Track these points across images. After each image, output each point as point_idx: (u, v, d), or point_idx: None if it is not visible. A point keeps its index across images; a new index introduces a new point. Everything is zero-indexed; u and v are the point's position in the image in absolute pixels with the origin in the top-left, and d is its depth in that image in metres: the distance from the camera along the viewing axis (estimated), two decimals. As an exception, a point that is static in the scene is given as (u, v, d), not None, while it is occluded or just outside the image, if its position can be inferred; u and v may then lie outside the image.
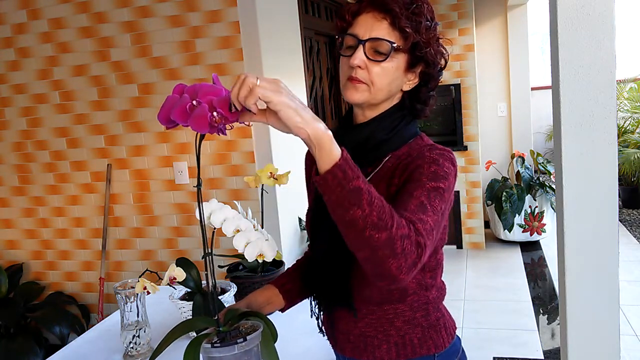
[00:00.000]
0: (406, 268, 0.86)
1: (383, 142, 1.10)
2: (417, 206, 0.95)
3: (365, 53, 1.04)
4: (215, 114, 0.82)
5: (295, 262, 1.35)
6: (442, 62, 1.13)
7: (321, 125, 0.84)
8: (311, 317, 1.24)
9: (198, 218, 1.02)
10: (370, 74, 1.05)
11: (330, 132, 0.84)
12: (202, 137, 0.88)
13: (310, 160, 1.29)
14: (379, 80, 1.05)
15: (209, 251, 1.00)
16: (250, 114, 0.85)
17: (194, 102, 0.81)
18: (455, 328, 1.20)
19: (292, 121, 0.82)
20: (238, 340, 0.97)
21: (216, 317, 1.03)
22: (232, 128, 0.87)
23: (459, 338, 1.21)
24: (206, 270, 1.01)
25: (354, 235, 0.85)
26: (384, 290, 1.09)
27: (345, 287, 1.10)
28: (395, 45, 1.04)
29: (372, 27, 1.04)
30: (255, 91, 0.80)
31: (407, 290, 1.10)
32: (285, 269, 1.48)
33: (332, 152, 0.84)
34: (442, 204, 0.98)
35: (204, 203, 1.28)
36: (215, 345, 0.98)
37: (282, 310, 1.26)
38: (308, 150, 1.30)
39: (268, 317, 1.11)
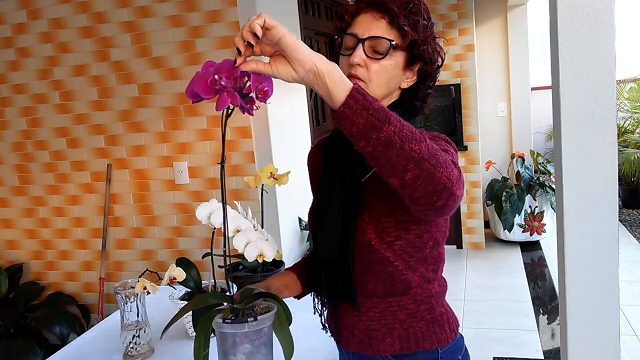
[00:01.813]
0: (455, 178, 0.88)
1: None
2: None
3: (364, 51, 1.06)
4: (216, 76, 0.84)
5: (308, 252, 1.36)
6: (439, 60, 1.15)
7: (324, 58, 0.85)
8: (314, 314, 1.24)
9: (220, 198, 1.03)
10: (370, 71, 1.07)
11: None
12: (229, 114, 0.89)
13: (313, 160, 1.29)
14: (378, 78, 1.07)
15: (227, 253, 1.01)
16: (257, 63, 0.85)
17: (216, 77, 0.84)
18: (458, 325, 1.20)
19: (300, 49, 0.83)
20: (249, 319, 0.98)
21: (231, 295, 1.04)
22: (258, 108, 0.89)
23: (462, 336, 1.21)
24: (226, 273, 1.02)
25: (395, 154, 0.84)
26: (387, 282, 1.09)
27: (349, 282, 1.10)
28: (393, 43, 1.06)
29: (371, 26, 1.07)
30: (262, 14, 0.84)
31: (411, 282, 1.11)
32: (285, 269, 1.49)
33: (343, 78, 0.85)
34: (456, 162, 0.98)
35: (203, 203, 1.28)
36: (226, 321, 0.99)
37: (298, 297, 1.27)
38: (310, 151, 1.31)
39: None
